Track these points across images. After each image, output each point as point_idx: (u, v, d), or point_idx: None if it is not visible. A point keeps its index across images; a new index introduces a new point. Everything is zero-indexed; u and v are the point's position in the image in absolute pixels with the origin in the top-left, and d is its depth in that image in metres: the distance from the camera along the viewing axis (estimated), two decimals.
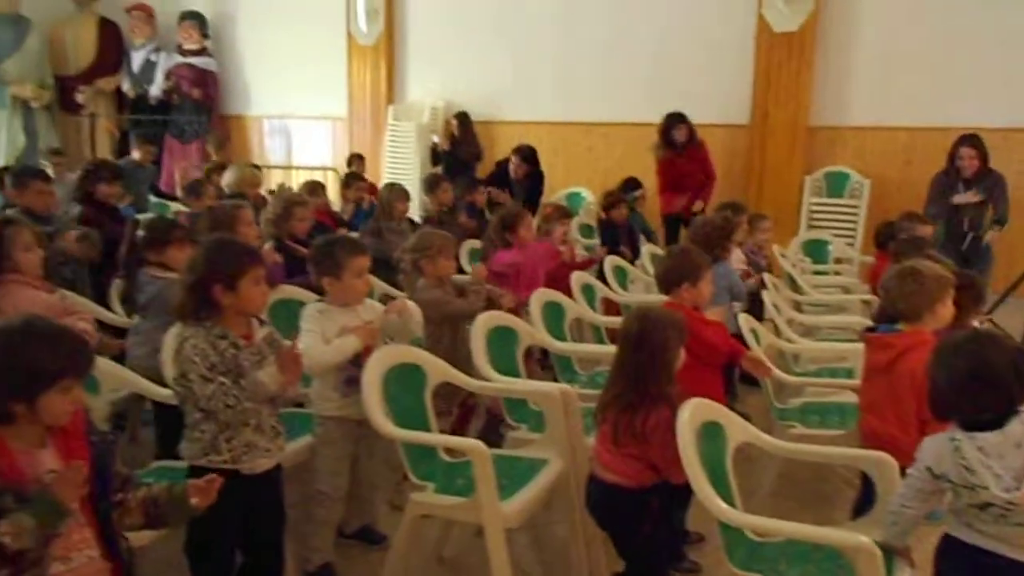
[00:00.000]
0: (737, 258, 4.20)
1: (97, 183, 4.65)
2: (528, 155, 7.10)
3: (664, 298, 2.97)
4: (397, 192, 5.21)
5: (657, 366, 2.30)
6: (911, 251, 4.17)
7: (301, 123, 9.84)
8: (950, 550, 1.97)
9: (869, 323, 3.22)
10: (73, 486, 1.64)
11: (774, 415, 3.37)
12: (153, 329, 3.11)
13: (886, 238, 4.97)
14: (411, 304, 2.99)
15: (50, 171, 6.11)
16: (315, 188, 5.77)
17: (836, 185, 7.45)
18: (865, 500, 2.49)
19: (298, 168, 9.52)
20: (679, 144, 6.75)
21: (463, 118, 7.97)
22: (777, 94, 7.47)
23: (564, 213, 5.06)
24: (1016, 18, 6.62)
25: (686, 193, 6.76)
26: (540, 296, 3.67)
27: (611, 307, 5.00)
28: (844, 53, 7.41)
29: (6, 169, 5.62)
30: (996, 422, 1.86)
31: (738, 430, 2.40)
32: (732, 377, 4.25)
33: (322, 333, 2.74)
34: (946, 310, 2.56)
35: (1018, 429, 1.85)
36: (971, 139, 5.55)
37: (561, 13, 8.32)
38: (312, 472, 2.88)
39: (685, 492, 2.27)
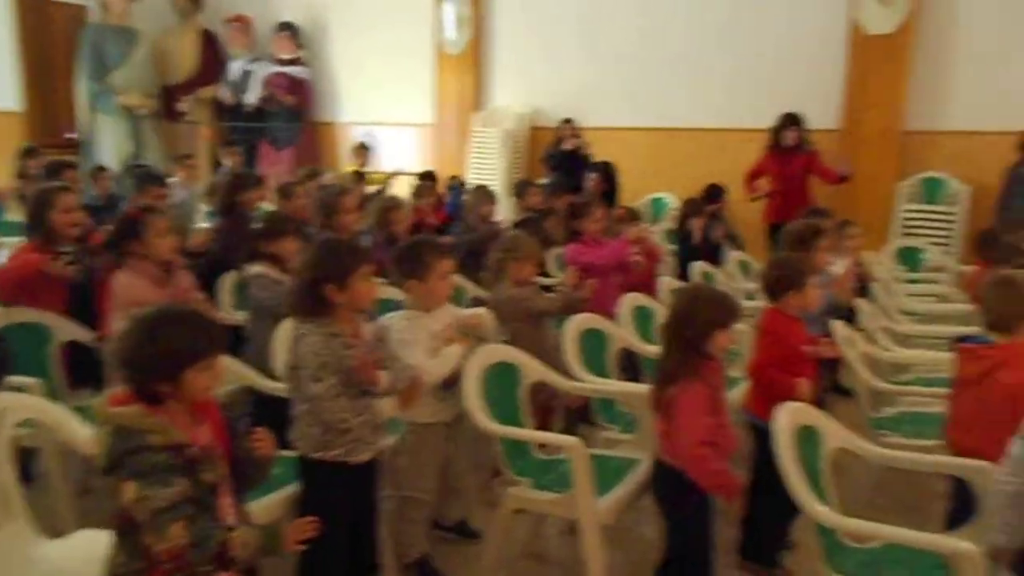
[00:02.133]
0: (842, 264, 4.13)
1: (241, 191, 4.68)
2: (608, 173, 7.04)
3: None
4: (482, 195, 5.35)
5: (691, 339, 2.39)
6: (1014, 258, 4.08)
7: (390, 130, 10.10)
8: None
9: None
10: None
11: (869, 424, 3.32)
12: (257, 330, 3.30)
13: (986, 246, 4.82)
14: (486, 317, 3.09)
15: (179, 175, 6.53)
16: (421, 190, 5.98)
17: (932, 192, 7.23)
18: (959, 512, 2.44)
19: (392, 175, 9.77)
20: (786, 147, 6.58)
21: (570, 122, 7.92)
22: (870, 98, 7.30)
23: (633, 215, 5.11)
24: None
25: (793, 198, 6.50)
26: (630, 300, 3.72)
27: None
28: (942, 55, 7.19)
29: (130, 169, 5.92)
30: None
31: (835, 435, 2.40)
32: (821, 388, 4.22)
33: (418, 343, 2.73)
34: None
35: None
36: None
37: (646, 19, 8.33)
38: (402, 475, 2.89)
39: (784, 498, 2.27)
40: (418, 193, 5.91)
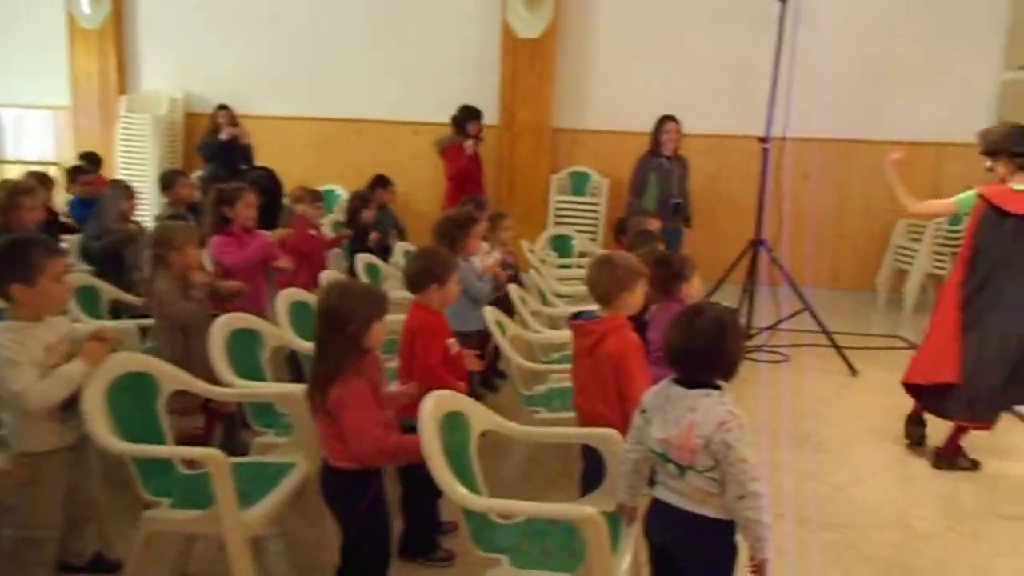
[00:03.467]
0: (484, 250, 4.31)
1: None
2: (272, 182, 6.53)
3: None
4: (120, 190, 4.84)
5: (344, 338, 2.34)
6: (642, 243, 4.58)
7: (16, 112, 8.77)
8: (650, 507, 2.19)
9: None
10: None
11: (522, 402, 3.53)
12: None
13: (620, 232, 5.41)
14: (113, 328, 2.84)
15: None
16: (45, 179, 5.19)
17: (579, 184, 7.97)
18: (593, 474, 2.67)
19: (12, 163, 8.49)
20: (473, 139, 6.82)
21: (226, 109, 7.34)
22: (523, 97, 7.83)
23: (316, 196, 5.02)
24: (741, 43, 7.44)
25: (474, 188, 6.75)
26: (287, 296, 3.56)
27: None
28: (582, 61, 7.93)
29: None
30: (700, 383, 2.06)
31: (481, 418, 2.48)
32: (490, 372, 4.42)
33: (30, 360, 2.38)
34: (634, 297, 2.77)
35: (699, 398, 2.04)
36: (673, 117, 6.26)
37: (314, 7, 8.13)
38: (17, 513, 2.53)
39: (432, 482, 2.31)
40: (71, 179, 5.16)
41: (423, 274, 2.90)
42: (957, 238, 7.23)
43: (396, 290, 4.88)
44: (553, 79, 7.83)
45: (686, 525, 2.07)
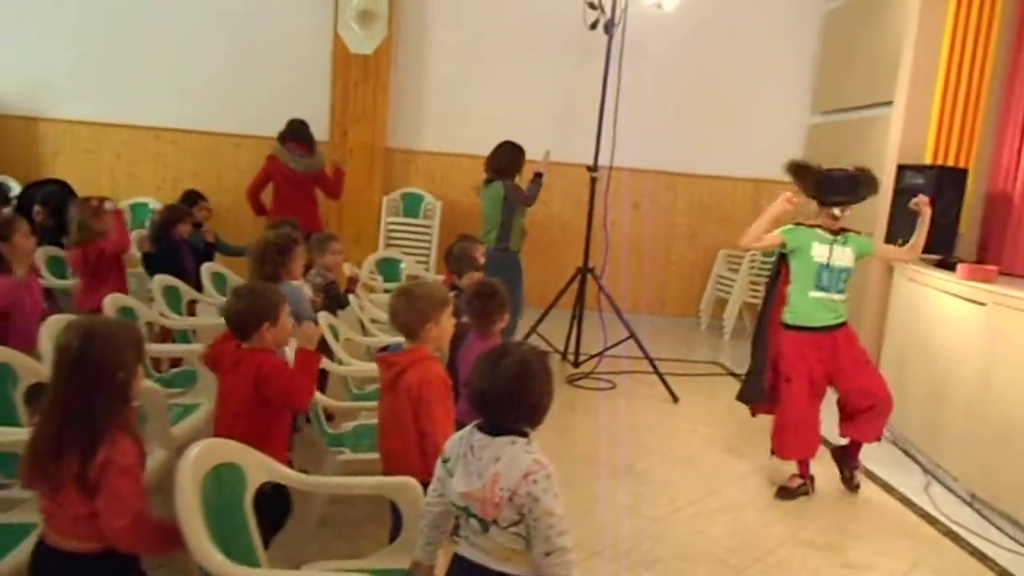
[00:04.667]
0: (306, 283, 4.04)
1: None
2: (56, 206, 5.57)
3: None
4: None
5: (111, 390, 1.89)
6: (464, 268, 4.47)
7: None
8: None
9: None
10: None
11: (323, 442, 3.24)
12: None
13: (449, 258, 5.23)
14: None
15: None
16: None
17: (412, 205, 7.76)
18: (397, 526, 2.45)
19: None
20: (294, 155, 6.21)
21: None
22: (355, 114, 7.55)
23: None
24: (570, 72, 7.51)
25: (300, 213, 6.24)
26: (52, 324, 3.11)
27: (166, 334, 4.53)
28: (416, 81, 7.76)
29: None
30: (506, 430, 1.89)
31: (259, 469, 2.19)
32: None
33: None
34: (440, 329, 2.60)
35: (504, 447, 1.88)
36: None
37: (125, 6, 7.48)
38: None
39: None
40: None
41: (251, 316, 2.54)
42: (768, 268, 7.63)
43: (212, 317, 4.50)
44: (387, 98, 7.59)
45: None
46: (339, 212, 7.53)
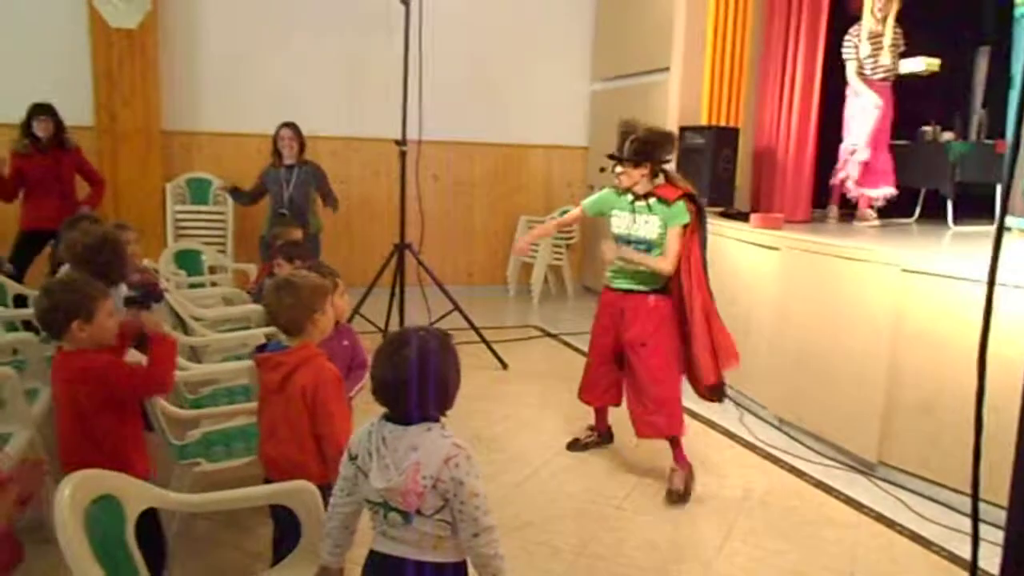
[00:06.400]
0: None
1: None
2: None
3: None
4: None
5: None
6: (296, 255, 4.10)
7: None
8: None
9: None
10: None
11: (172, 456, 2.97)
12: None
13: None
14: None
15: None
16: None
17: (199, 192, 7.23)
18: (285, 537, 2.31)
19: None
20: (43, 141, 5.63)
21: None
22: (123, 95, 6.85)
23: None
24: (350, 45, 7.29)
25: (53, 201, 5.64)
26: None
27: None
28: (189, 57, 7.19)
29: None
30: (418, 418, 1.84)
31: (137, 497, 1.97)
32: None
33: None
34: (326, 318, 2.50)
35: (420, 435, 1.84)
36: (289, 124, 5.75)
37: None
38: None
39: None
40: None
41: (60, 312, 2.28)
42: (570, 235, 7.99)
43: None
44: (157, 76, 6.96)
45: None
46: (115, 203, 6.84)
